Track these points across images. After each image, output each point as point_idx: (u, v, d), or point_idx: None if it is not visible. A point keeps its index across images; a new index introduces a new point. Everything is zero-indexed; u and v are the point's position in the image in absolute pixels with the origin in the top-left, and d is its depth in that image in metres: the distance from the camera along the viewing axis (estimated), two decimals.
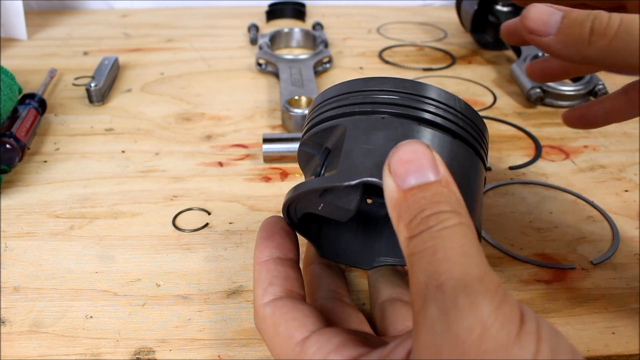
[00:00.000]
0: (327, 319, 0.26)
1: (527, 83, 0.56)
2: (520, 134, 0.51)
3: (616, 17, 0.25)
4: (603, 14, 0.25)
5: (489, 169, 0.45)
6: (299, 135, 0.45)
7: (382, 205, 0.32)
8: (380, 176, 0.22)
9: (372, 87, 0.25)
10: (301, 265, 0.29)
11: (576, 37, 0.25)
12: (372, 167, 0.22)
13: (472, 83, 0.62)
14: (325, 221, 0.30)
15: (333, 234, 0.31)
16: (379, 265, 0.30)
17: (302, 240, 0.29)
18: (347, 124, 0.25)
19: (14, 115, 0.45)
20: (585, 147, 0.49)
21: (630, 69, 0.25)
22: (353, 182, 0.22)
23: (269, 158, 0.45)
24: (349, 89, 0.26)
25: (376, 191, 0.32)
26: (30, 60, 0.66)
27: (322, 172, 0.26)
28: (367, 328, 0.27)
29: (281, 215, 0.28)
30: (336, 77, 0.63)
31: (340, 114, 0.25)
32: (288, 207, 0.27)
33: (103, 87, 0.55)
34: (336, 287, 0.29)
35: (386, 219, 0.31)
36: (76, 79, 0.60)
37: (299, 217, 0.28)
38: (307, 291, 0.29)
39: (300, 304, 0.24)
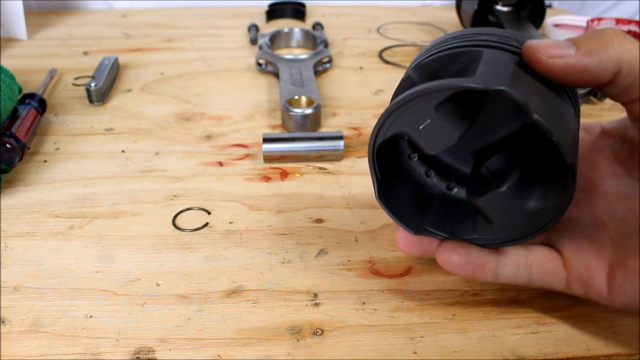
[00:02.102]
0: None
1: None
2: None
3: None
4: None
5: None
6: (299, 135, 0.46)
7: (440, 182, 0.32)
8: (517, 91, 0.22)
9: (501, 34, 0.26)
10: None
11: (602, 42, 0.24)
12: (512, 81, 0.23)
13: None
14: (387, 171, 0.30)
15: (390, 186, 0.30)
16: (426, 234, 0.29)
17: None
18: (484, 50, 0.25)
19: (14, 115, 0.45)
20: None
21: None
22: (494, 87, 0.22)
23: (269, 158, 0.45)
24: (478, 31, 0.27)
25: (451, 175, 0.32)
26: (30, 60, 0.66)
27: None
28: None
29: None
30: (336, 77, 0.63)
31: (476, 45, 0.26)
32: (389, 117, 0.26)
33: (103, 87, 0.55)
34: None
35: (439, 198, 0.32)
36: (76, 79, 0.60)
37: (386, 138, 0.27)
38: None
39: None
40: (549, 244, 0.30)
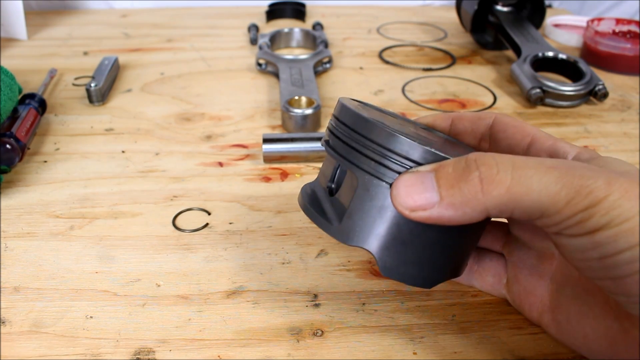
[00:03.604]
0: None
1: (527, 83, 0.56)
2: None
3: (502, 157, 0.22)
4: (481, 155, 0.22)
5: None
6: (299, 135, 0.46)
7: None
8: (371, 246, 0.25)
9: (389, 145, 0.24)
10: None
11: (464, 194, 0.22)
12: (369, 236, 0.25)
13: (472, 83, 0.62)
14: None
15: None
16: None
17: None
18: (360, 179, 0.25)
19: (14, 115, 0.45)
20: (585, 147, 0.49)
21: (541, 218, 0.21)
22: (348, 244, 0.26)
23: (269, 158, 0.45)
24: (372, 136, 0.25)
25: None
26: (30, 60, 0.66)
27: (338, 173, 0.28)
28: None
29: None
30: (336, 77, 0.63)
31: (358, 164, 0.25)
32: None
33: (103, 87, 0.55)
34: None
35: None
36: (76, 79, 0.60)
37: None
38: None
39: None
40: (503, 255, 0.31)
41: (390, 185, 0.24)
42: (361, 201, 0.25)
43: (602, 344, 0.24)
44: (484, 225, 0.28)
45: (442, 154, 0.24)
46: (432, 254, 0.26)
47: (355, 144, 0.25)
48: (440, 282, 0.27)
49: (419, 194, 0.23)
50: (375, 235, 0.25)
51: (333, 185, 0.28)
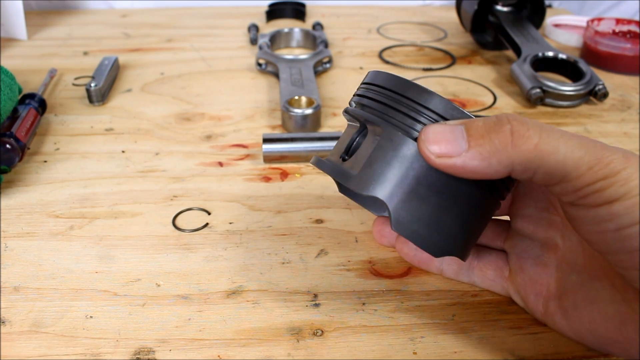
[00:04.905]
0: None
1: (527, 83, 0.56)
2: None
3: (531, 119, 0.23)
4: (512, 114, 0.23)
5: None
6: (299, 135, 0.46)
7: None
8: (387, 196, 0.25)
9: (420, 100, 0.25)
10: None
11: (494, 144, 0.23)
12: (386, 187, 0.25)
13: (472, 83, 0.62)
14: None
15: None
16: (384, 215, 0.33)
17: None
18: (385, 130, 0.26)
19: (14, 115, 0.45)
20: None
21: (560, 183, 0.22)
22: (364, 193, 0.25)
23: (269, 158, 0.45)
24: (403, 91, 0.26)
25: None
26: (30, 60, 0.66)
27: (353, 145, 0.28)
28: None
29: None
30: (336, 77, 0.63)
31: (385, 117, 0.26)
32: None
33: (103, 87, 0.55)
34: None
35: None
36: (76, 79, 0.60)
37: None
38: None
39: None
40: (504, 250, 0.32)
41: (415, 139, 0.25)
42: (383, 151, 0.25)
43: (610, 328, 0.25)
44: (497, 206, 0.27)
45: (470, 114, 0.25)
46: (446, 217, 0.25)
47: (385, 99, 0.26)
48: (447, 254, 0.26)
49: (447, 141, 0.23)
50: (393, 186, 0.25)
51: (347, 157, 0.28)
